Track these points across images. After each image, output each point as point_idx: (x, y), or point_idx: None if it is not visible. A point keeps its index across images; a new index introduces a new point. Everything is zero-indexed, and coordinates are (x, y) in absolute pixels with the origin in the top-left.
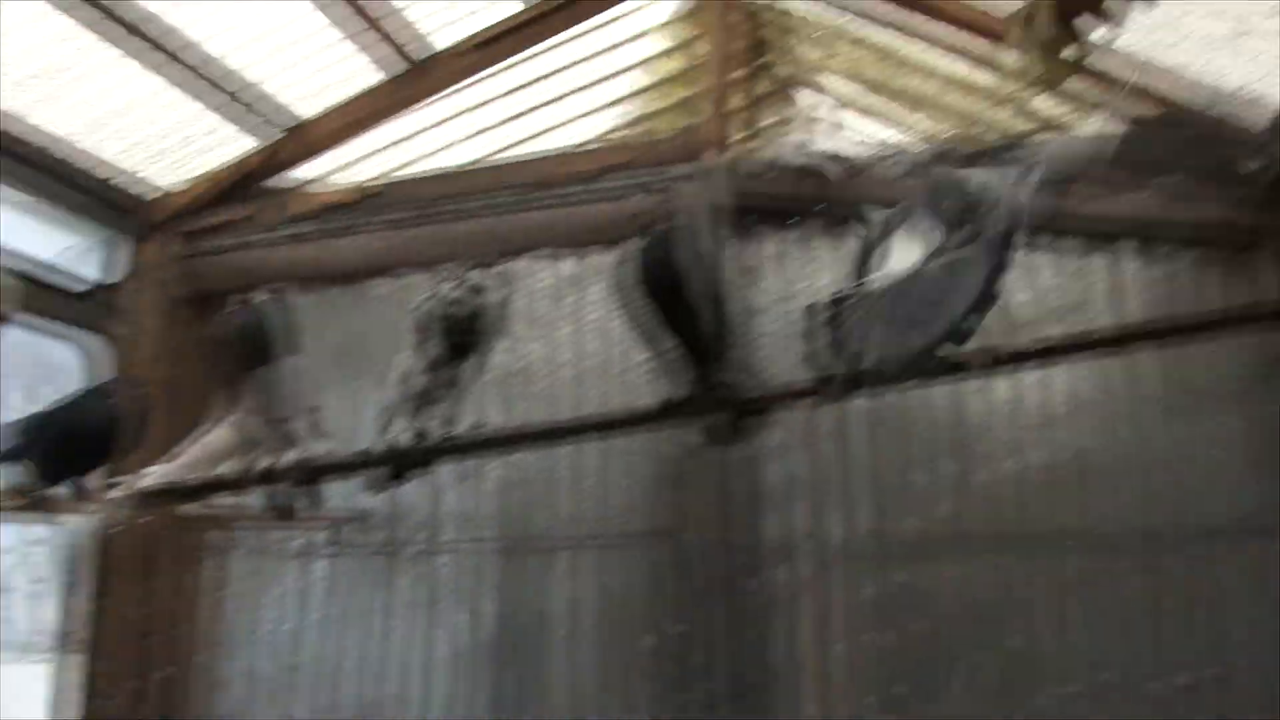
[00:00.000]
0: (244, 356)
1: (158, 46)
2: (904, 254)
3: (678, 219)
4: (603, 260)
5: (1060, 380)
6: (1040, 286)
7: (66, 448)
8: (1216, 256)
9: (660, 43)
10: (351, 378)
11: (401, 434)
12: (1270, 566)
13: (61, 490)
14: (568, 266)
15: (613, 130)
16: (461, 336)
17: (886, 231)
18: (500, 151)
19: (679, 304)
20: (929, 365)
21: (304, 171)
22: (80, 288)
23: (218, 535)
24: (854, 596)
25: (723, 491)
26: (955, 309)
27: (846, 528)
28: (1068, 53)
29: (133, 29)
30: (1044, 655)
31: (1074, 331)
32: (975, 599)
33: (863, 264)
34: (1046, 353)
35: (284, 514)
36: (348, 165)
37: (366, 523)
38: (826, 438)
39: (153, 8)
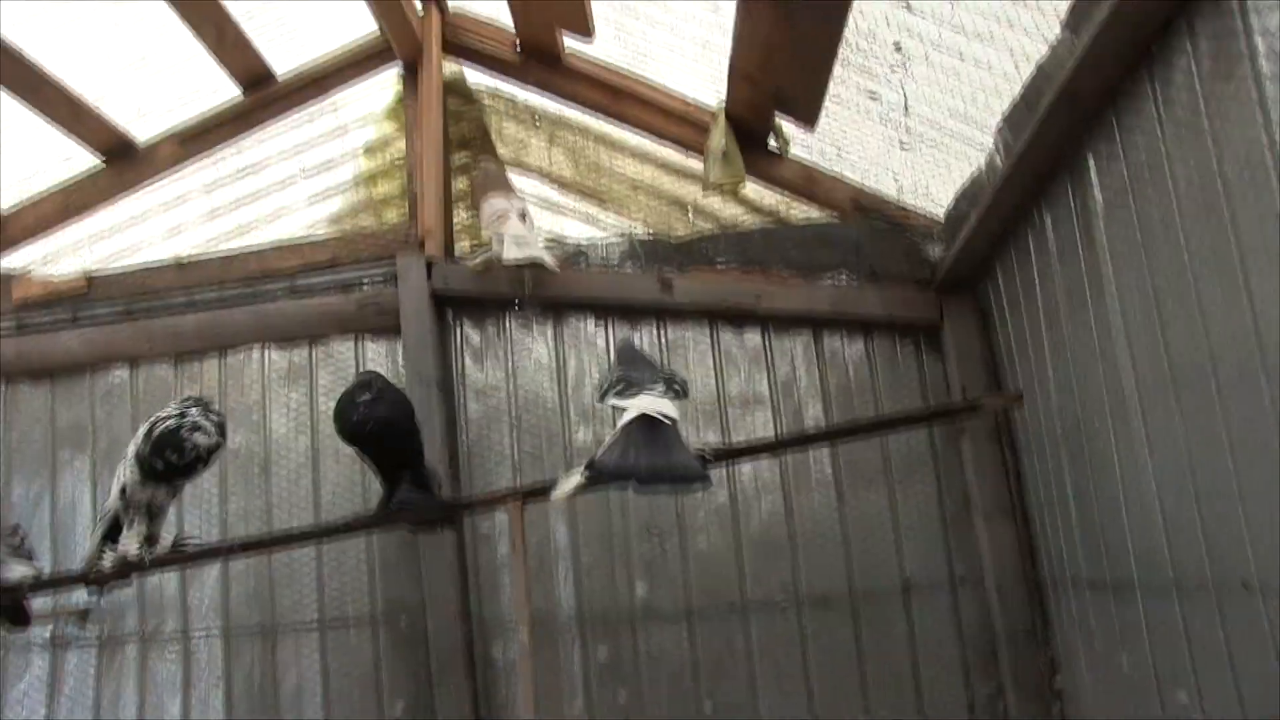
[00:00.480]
0: None
1: None
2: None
3: (367, 373)
4: (319, 352)
5: (765, 462)
6: (753, 368)
7: None
8: (907, 331)
9: (370, 134)
10: (76, 467)
11: (124, 542)
12: (956, 610)
13: None
14: (280, 360)
15: (330, 221)
16: (193, 460)
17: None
18: (219, 242)
19: (374, 446)
20: (685, 472)
21: (6, 262)
22: None
23: None
24: (582, 661)
25: (450, 574)
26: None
27: (569, 601)
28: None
29: None
30: (763, 702)
31: (786, 416)
32: (700, 657)
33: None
34: (766, 448)
35: (13, 618)
36: (49, 258)
37: (93, 617)
38: (539, 524)
39: None
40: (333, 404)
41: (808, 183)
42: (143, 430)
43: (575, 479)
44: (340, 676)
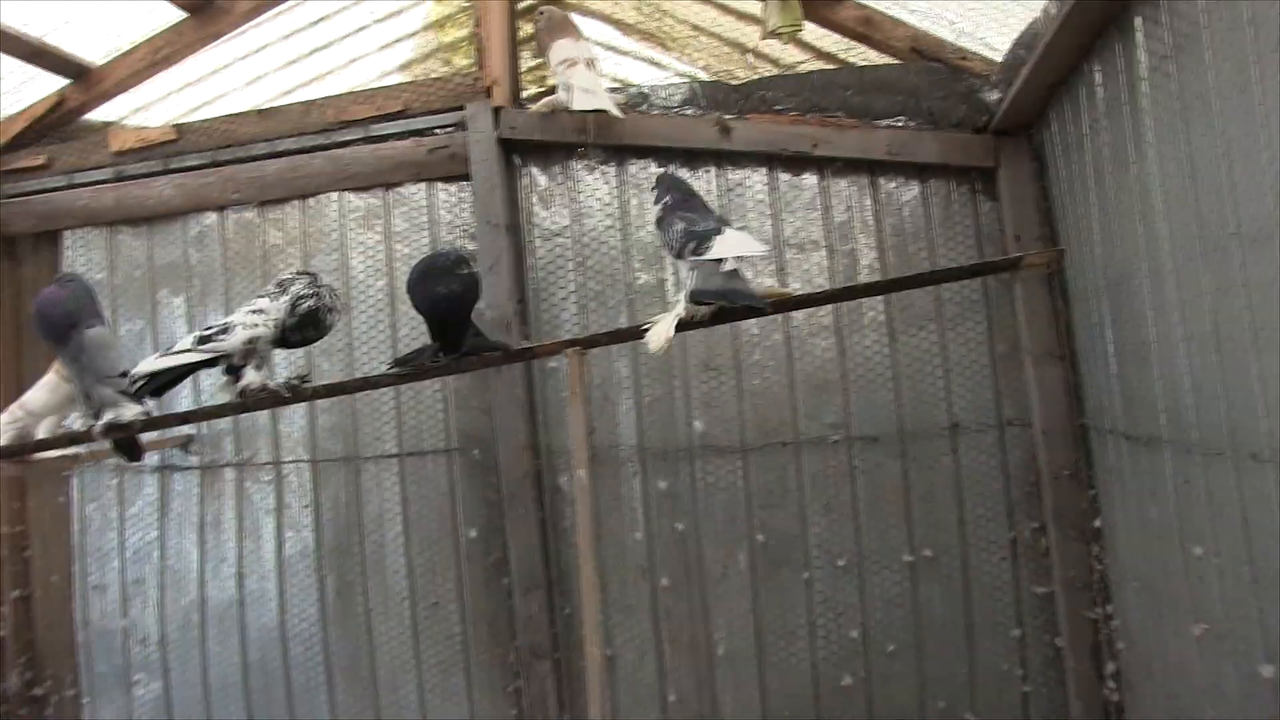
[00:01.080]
0: (52, 331)
1: None
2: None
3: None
4: (393, 197)
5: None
6: (809, 213)
7: None
8: (963, 176)
9: None
10: (174, 305)
11: (258, 379)
12: (1002, 450)
13: None
14: (357, 204)
15: (401, 68)
16: (314, 330)
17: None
18: (294, 91)
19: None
20: (756, 305)
21: (99, 115)
22: None
23: (59, 468)
24: (643, 492)
25: (518, 408)
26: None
27: (630, 434)
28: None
29: None
30: (812, 533)
31: (841, 260)
32: (754, 490)
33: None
34: (827, 298)
35: (128, 453)
36: (141, 108)
37: (194, 446)
38: (601, 360)
39: None
40: (407, 248)
41: (866, 26)
42: (285, 302)
43: (669, 320)
44: (418, 502)
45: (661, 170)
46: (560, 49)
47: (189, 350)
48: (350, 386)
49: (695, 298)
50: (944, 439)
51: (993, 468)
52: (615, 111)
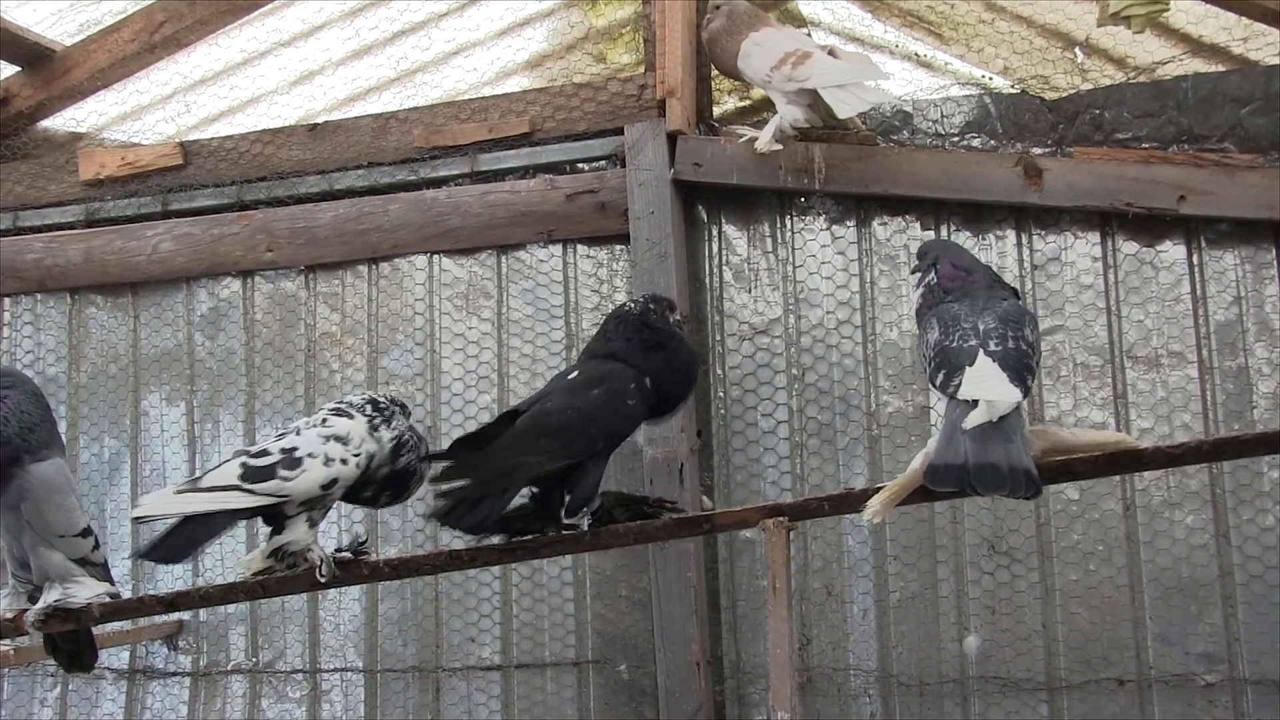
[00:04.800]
0: None
1: None
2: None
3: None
4: (510, 265)
5: None
6: (1169, 306)
7: None
8: None
9: None
10: (167, 418)
11: (302, 542)
12: None
13: None
14: (454, 274)
15: (528, 66)
16: (399, 493)
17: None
18: (361, 97)
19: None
20: (1021, 494)
21: (63, 124)
22: None
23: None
24: None
25: (691, 603)
26: None
27: (866, 652)
28: None
29: None
30: None
31: (1221, 380)
32: None
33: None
34: (1198, 453)
35: (73, 661)
36: (129, 115)
37: (184, 639)
38: (827, 530)
39: None
40: (528, 344)
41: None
42: (388, 438)
43: (901, 482)
44: None
45: (931, 240)
46: (768, 44)
47: (235, 489)
48: (437, 562)
49: (930, 475)
50: None
51: None
52: (892, 99)
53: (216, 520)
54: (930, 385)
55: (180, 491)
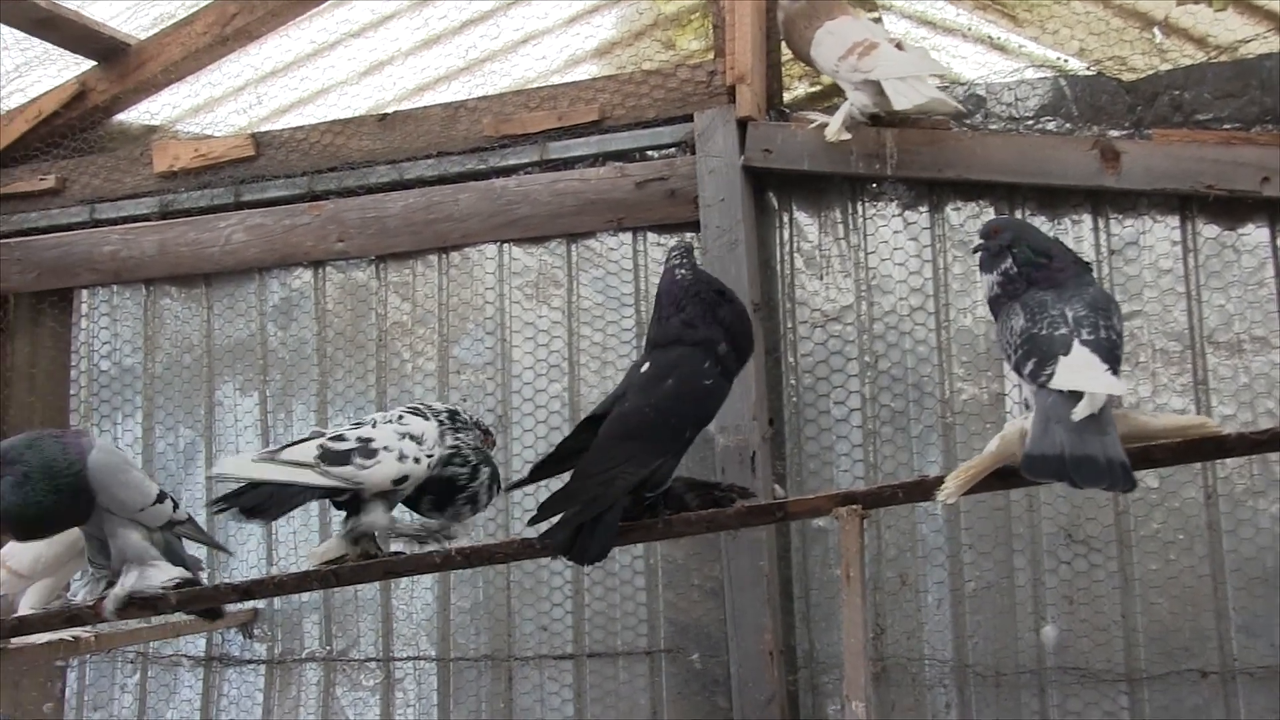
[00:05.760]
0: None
1: None
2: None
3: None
4: (580, 253)
5: None
6: (1252, 290)
7: None
8: None
9: None
10: (240, 408)
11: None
12: None
13: None
14: (524, 263)
15: (596, 54)
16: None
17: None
18: (431, 87)
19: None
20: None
21: (138, 117)
22: None
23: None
24: None
25: (764, 592)
26: None
27: (941, 642)
28: None
29: None
30: None
31: None
32: None
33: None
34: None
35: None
36: (202, 108)
37: (260, 626)
38: (900, 518)
39: None
40: (598, 332)
41: None
42: (432, 455)
43: (982, 461)
44: None
45: (1001, 218)
46: (839, 33)
47: (310, 466)
48: (508, 550)
49: (1028, 465)
50: None
51: None
52: (953, 104)
53: (289, 491)
54: (1016, 373)
55: (258, 460)
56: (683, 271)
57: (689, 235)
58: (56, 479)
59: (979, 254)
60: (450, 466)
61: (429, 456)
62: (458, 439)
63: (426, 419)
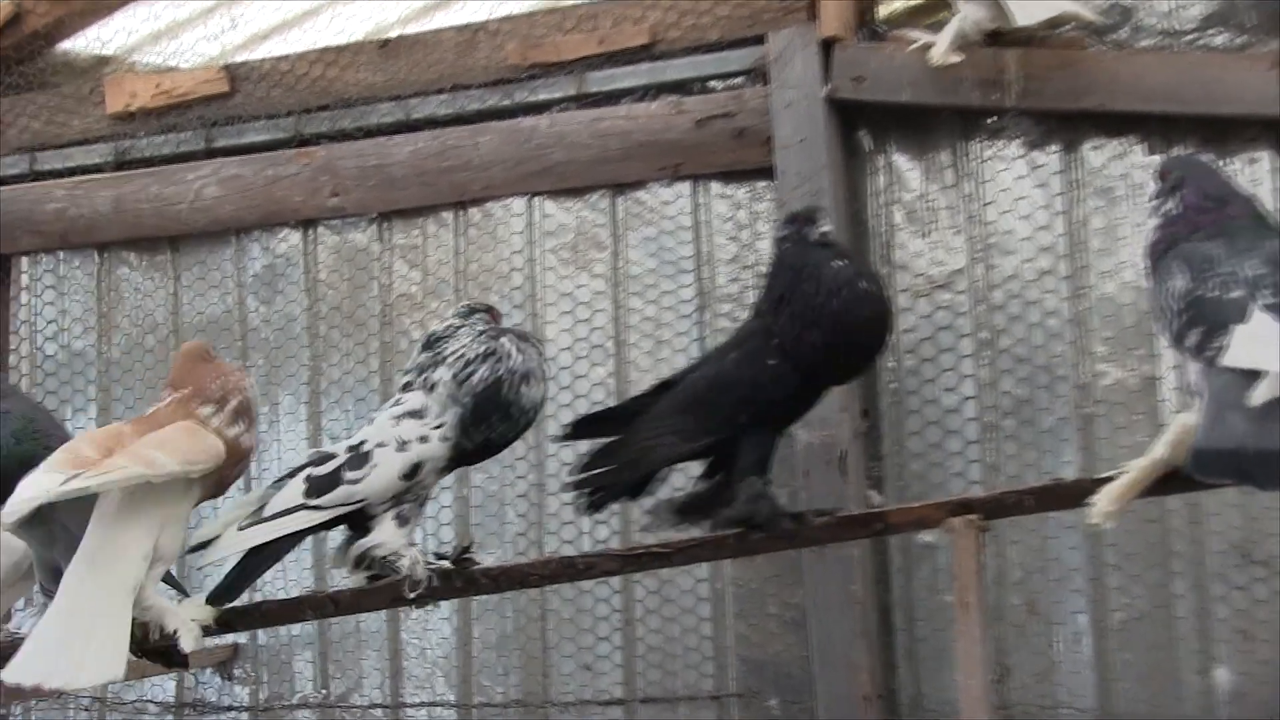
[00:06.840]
0: None
1: None
2: None
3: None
4: (627, 208)
5: None
6: None
7: None
8: None
9: None
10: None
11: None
12: None
13: None
14: (558, 219)
15: None
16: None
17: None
18: (442, 6)
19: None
20: None
21: (86, 46)
22: None
23: None
24: None
25: (856, 622)
26: None
27: (1081, 683)
28: None
29: None
30: None
31: None
32: None
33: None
34: None
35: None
36: (164, 34)
37: (241, 664)
38: (1029, 531)
39: None
40: (653, 306)
41: None
42: (448, 377)
43: (1144, 468)
44: None
45: (1173, 158)
46: None
47: (300, 508)
48: (544, 571)
49: (1196, 463)
50: None
51: None
52: (1091, 15)
53: (281, 543)
54: (1176, 347)
55: (244, 528)
56: (788, 245)
57: (760, 184)
58: None
59: (1153, 202)
60: (470, 371)
61: (438, 426)
62: (459, 350)
63: (420, 380)
